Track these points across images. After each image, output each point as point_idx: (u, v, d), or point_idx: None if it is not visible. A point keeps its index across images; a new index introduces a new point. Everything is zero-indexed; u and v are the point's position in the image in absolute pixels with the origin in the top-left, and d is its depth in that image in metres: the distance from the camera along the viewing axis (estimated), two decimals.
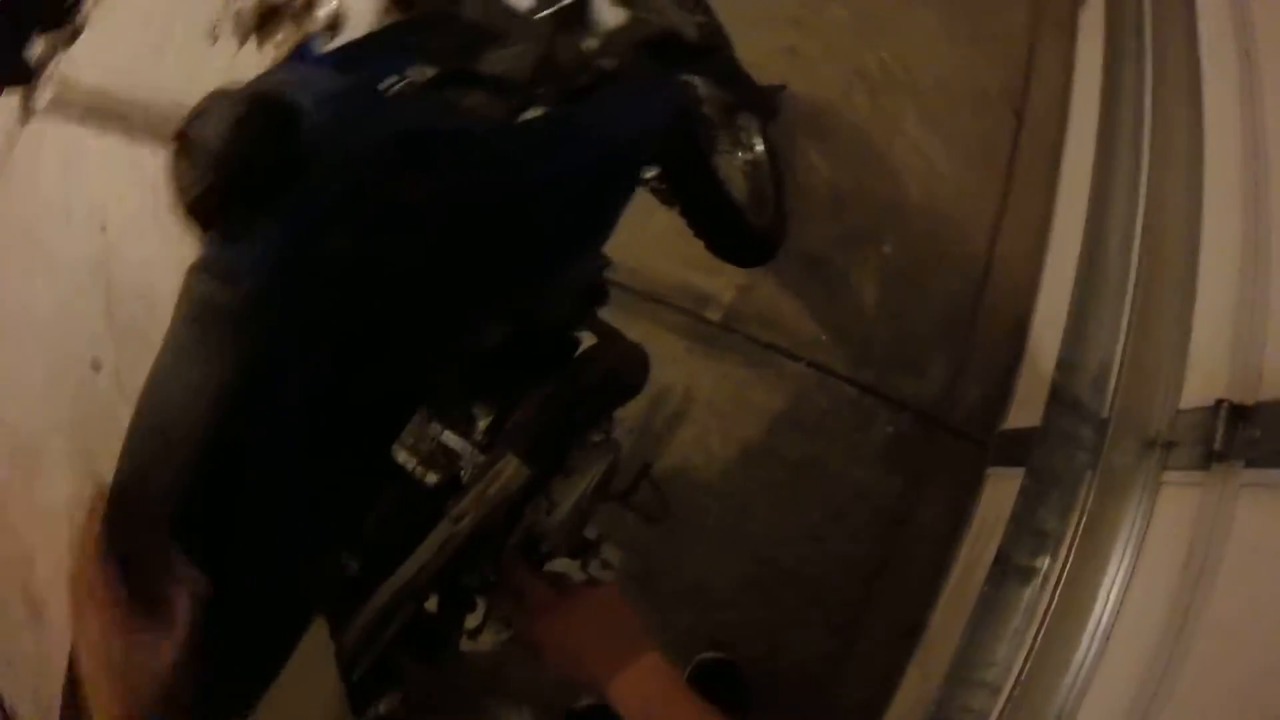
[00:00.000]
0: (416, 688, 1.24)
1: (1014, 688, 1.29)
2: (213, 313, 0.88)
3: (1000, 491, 1.83)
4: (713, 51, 1.36)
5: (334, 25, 0.88)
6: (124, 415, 2.55)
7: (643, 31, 1.13)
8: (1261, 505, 1.09)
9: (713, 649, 1.96)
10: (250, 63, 3.08)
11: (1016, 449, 1.76)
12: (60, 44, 3.51)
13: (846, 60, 2.36)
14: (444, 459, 1.24)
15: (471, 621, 1.30)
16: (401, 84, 0.99)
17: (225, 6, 3.26)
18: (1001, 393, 2.01)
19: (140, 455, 0.92)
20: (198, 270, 0.90)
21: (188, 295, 0.91)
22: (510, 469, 1.14)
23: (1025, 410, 1.89)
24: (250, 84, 0.90)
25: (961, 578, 1.85)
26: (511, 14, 1.08)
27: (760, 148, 2.13)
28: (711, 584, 2.01)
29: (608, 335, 1.40)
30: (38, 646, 2.59)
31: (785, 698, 1.93)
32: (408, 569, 1.10)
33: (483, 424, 1.29)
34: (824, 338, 2.15)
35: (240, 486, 0.88)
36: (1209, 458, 1.16)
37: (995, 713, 1.35)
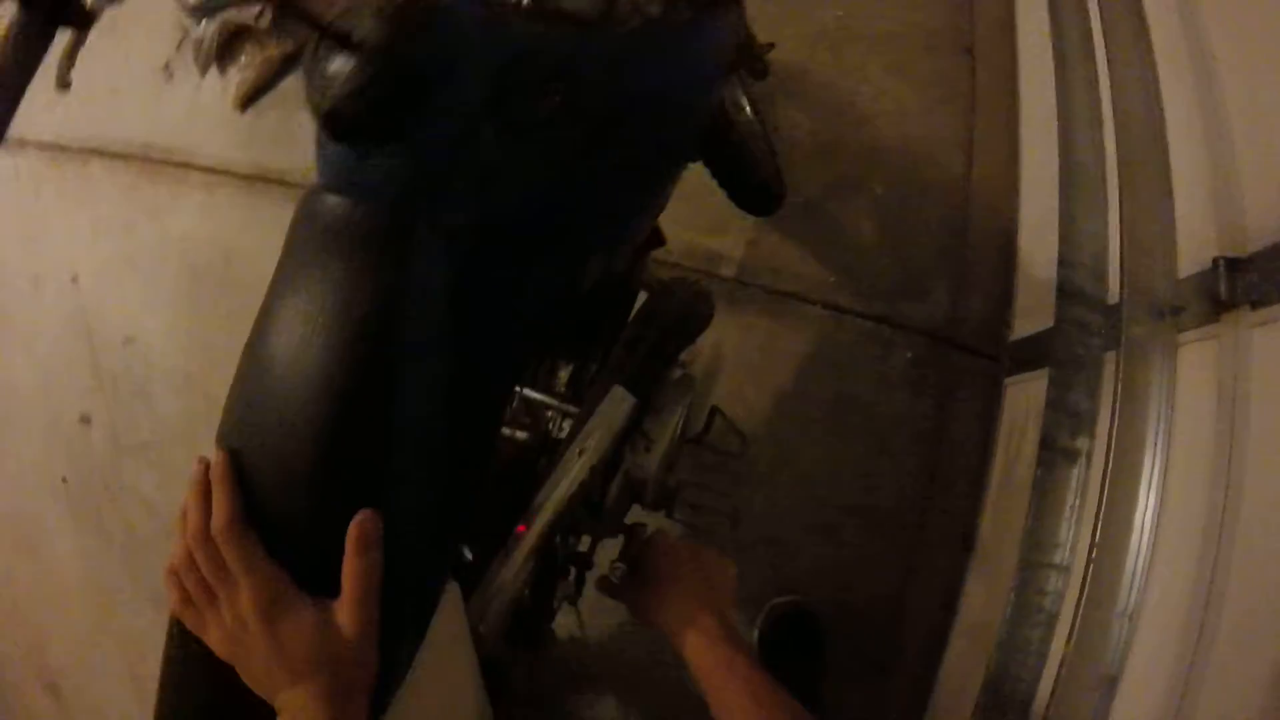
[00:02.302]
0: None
1: (1086, 564, 1.32)
2: (347, 234, 0.82)
3: (1020, 399, 1.94)
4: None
5: None
6: (122, 466, 2.58)
7: None
8: (1271, 337, 1.18)
9: (783, 594, 2.02)
10: (214, 90, 2.99)
11: (1028, 354, 1.88)
12: None
13: (805, 21, 2.46)
14: (530, 416, 1.27)
15: (562, 591, 1.30)
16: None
17: (180, 40, 3.12)
18: (1002, 307, 2.11)
19: (267, 411, 0.83)
20: (321, 193, 0.85)
21: (308, 219, 0.86)
22: (619, 397, 1.16)
23: (1027, 320, 2.00)
24: None
25: (1000, 485, 1.94)
26: None
27: (746, 105, 2.14)
28: (776, 534, 2.08)
29: (663, 283, 1.44)
30: None
31: (859, 630, 2.00)
32: (544, 515, 1.08)
33: (563, 375, 1.35)
34: (832, 279, 2.23)
35: (389, 423, 0.82)
36: (1216, 310, 1.25)
37: (1071, 590, 1.42)
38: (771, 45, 2.07)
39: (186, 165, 2.92)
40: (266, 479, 0.82)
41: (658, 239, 1.38)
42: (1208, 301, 1.27)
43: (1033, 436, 1.66)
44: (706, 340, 2.13)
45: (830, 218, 2.30)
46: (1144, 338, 1.38)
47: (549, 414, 1.27)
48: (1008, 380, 2.02)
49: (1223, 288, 1.23)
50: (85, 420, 2.82)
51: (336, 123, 0.80)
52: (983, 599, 1.85)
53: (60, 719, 2.58)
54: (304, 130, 0.87)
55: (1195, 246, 1.37)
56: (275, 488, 0.82)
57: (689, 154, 1.25)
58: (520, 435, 1.26)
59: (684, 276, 1.46)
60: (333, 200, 0.84)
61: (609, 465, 1.20)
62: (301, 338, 0.81)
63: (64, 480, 2.79)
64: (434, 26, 0.81)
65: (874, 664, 2.00)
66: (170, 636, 0.88)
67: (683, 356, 1.45)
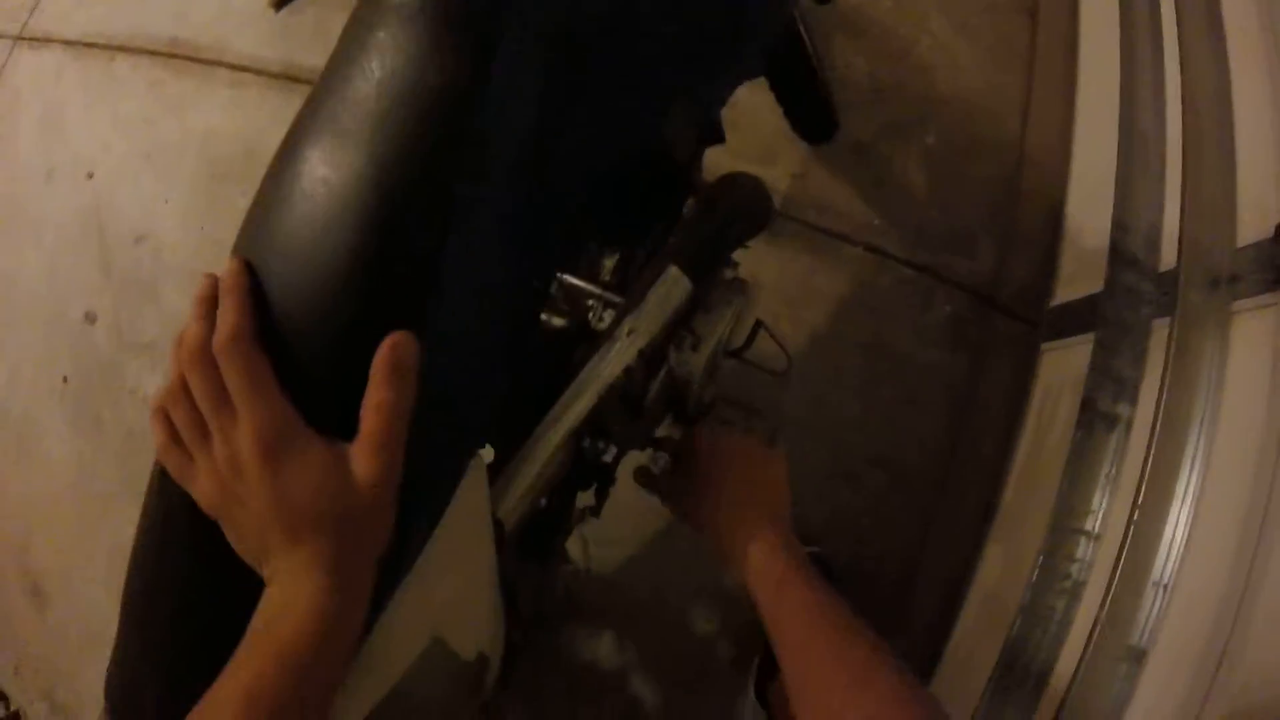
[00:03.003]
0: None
1: (1125, 531, 1.29)
2: (427, 10, 0.68)
3: (1056, 367, 1.92)
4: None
5: None
6: (125, 365, 2.52)
7: None
8: None
9: (801, 542, 1.97)
10: None
11: (1067, 321, 1.86)
12: None
13: None
14: (569, 303, 1.19)
15: (583, 500, 1.23)
16: None
17: None
18: (1045, 271, 2.07)
19: (299, 220, 0.67)
20: None
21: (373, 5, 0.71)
22: (675, 277, 1.10)
23: (1069, 287, 1.97)
24: None
25: (1028, 452, 1.92)
26: None
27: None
28: (798, 475, 1.97)
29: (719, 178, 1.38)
30: (44, 633, 2.51)
31: (871, 585, 1.98)
32: (586, 395, 1.02)
33: (609, 263, 1.29)
34: (877, 222, 2.20)
35: (440, 248, 0.68)
36: (1276, 280, 1.21)
37: (1100, 558, 1.40)
38: None
39: (215, 63, 2.86)
40: (288, 298, 0.66)
41: (718, 134, 1.28)
42: (1267, 271, 1.24)
43: (1067, 405, 1.65)
44: (745, 270, 2.07)
45: (881, 161, 2.26)
46: (1198, 306, 1.36)
47: (590, 303, 1.19)
48: (1045, 346, 1.99)
49: None
50: (90, 318, 2.76)
51: None
52: (1000, 568, 1.83)
53: (40, 622, 2.51)
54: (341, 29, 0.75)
55: (1257, 215, 1.33)
56: (297, 309, 0.66)
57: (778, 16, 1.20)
58: (558, 321, 1.17)
59: (744, 171, 1.40)
60: None
61: (655, 356, 1.14)
62: (354, 131, 0.67)
63: (65, 380, 2.72)
64: None
65: (883, 622, 1.93)
66: (149, 490, 0.74)
67: (736, 258, 1.40)
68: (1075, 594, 1.43)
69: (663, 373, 1.19)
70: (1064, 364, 1.84)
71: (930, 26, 2.35)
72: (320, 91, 0.71)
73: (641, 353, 1.06)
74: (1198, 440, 1.29)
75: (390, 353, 0.64)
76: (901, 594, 1.96)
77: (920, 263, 2.15)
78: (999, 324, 2.08)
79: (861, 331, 2.13)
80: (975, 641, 1.78)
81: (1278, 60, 1.37)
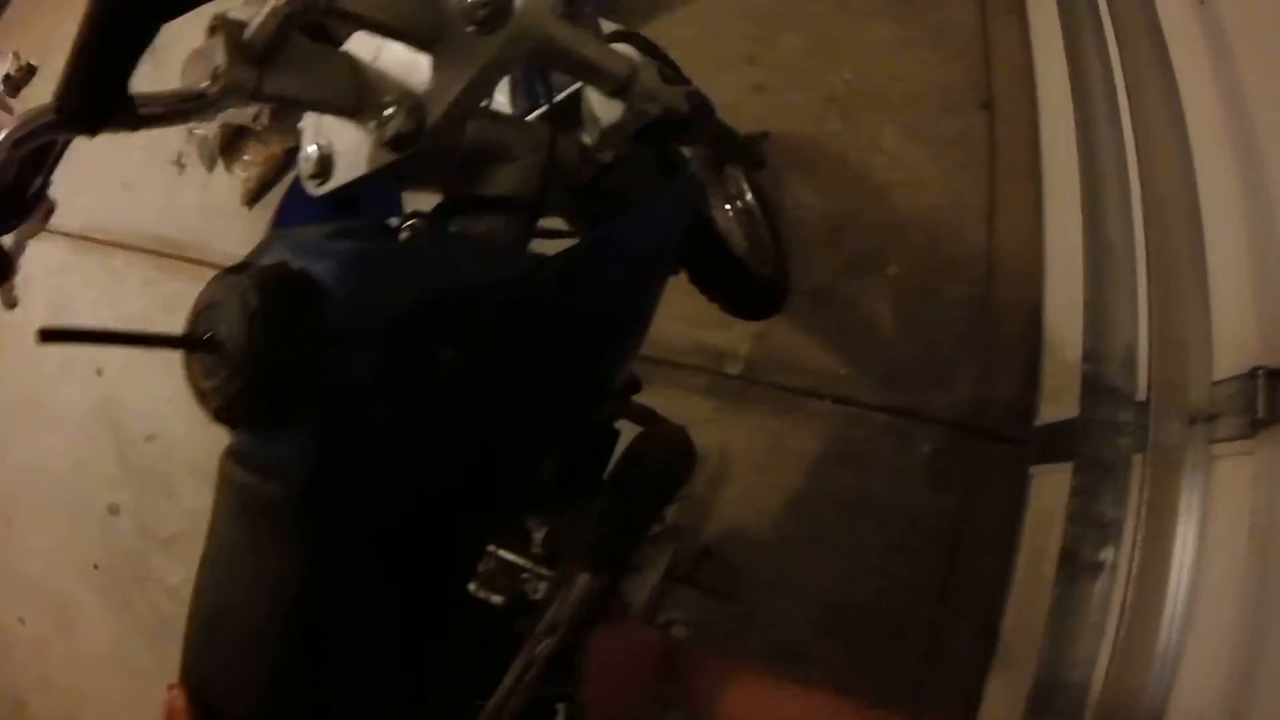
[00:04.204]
0: None
1: (1103, 683, 1.28)
2: (259, 508, 0.81)
3: (1047, 486, 1.83)
4: (701, 119, 1.34)
5: (323, 170, 0.79)
6: (150, 556, 2.73)
7: (641, 121, 1.06)
8: None
9: None
10: (223, 186, 3.13)
11: (1056, 441, 1.77)
12: (29, 235, 3.47)
13: (813, 88, 2.37)
14: (506, 579, 1.22)
15: None
16: (410, 225, 0.91)
17: (187, 138, 3.29)
18: (1029, 389, 2.00)
19: (216, 649, 0.88)
20: (234, 460, 0.82)
21: (228, 485, 0.83)
22: (583, 586, 1.11)
23: (1055, 404, 1.89)
24: (257, 259, 0.83)
25: (1026, 578, 1.84)
26: (512, 126, 1.01)
27: (749, 195, 2.13)
28: (785, 639, 1.99)
29: (646, 419, 1.38)
30: None
31: None
32: (497, 699, 1.06)
33: (539, 536, 1.27)
34: (844, 371, 2.14)
35: (328, 662, 0.84)
36: (1254, 425, 1.15)
37: (1088, 711, 1.34)
38: (765, 134, 2.00)
39: (199, 261, 3.06)
40: (229, 711, 0.84)
41: (633, 385, 1.33)
42: (1244, 414, 1.17)
43: (1060, 532, 1.56)
44: (713, 443, 2.12)
45: (844, 304, 2.20)
46: (1173, 447, 1.28)
47: (524, 575, 1.24)
48: (1034, 469, 1.91)
49: (1261, 403, 1.14)
50: (114, 511, 2.95)
51: (220, 421, 0.78)
52: (1007, 701, 1.75)
53: None
54: None
55: (1235, 346, 1.26)
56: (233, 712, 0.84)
57: (647, 322, 1.18)
58: (495, 598, 1.22)
59: (661, 427, 1.39)
60: (243, 472, 0.81)
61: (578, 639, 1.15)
62: (237, 592, 0.85)
63: (95, 567, 2.92)
64: (301, 311, 0.75)
65: None
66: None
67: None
68: None
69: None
70: (1055, 487, 1.74)
71: (883, 143, 2.30)
72: (209, 548, 0.87)
73: (555, 655, 1.08)
74: (1178, 594, 1.23)
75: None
76: None
77: (895, 405, 2.09)
78: (984, 452, 2.01)
79: (839, 486, 2.06)
80: None
81: (1251, 168, 1.30)
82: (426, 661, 0.93)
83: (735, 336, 2.21)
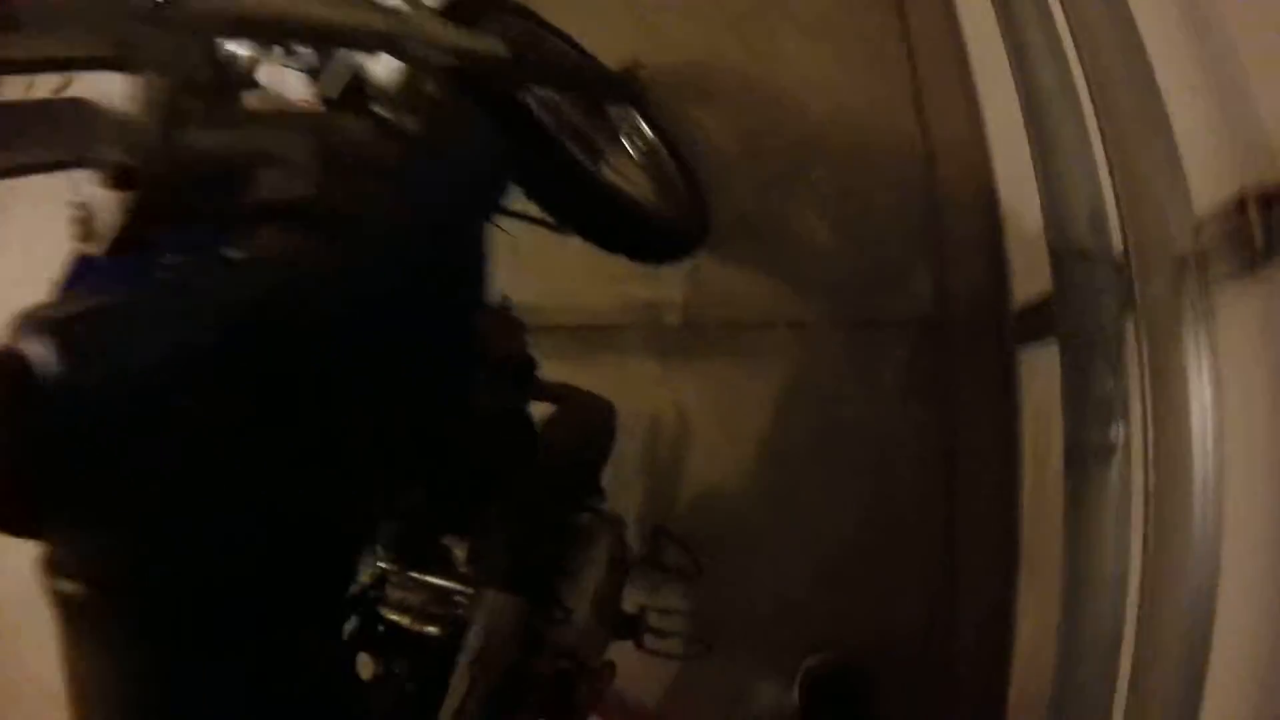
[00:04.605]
0: None
1: (1142, 576, 1.14)
2: (80, 611, 0.73)
3: (1039, 371, 1.68)
4: (539, 62, 1.21)
5: (88, 232, 0.69)
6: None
7: (434, 80, 0.99)
8: None
9: (813, 656, 1.81)
10: None
11: (1038, 322, 1.63)
12: None
13: (700, 14, 2.21)
14: (438, 606, 1.16)
15: None
16: (173, 265, 0.83)
17: None
18: (996, 273, 1.84)
19: None
20: (43, 569, 0.74)
21: (49, 596, 0.75)
22: (494, 604, 1.08)
23: (1029, 283, 1.72)
24: None
25: (1037, 477, 1.68)
26: (269, 127, 0.91)
27: (648, 133, 1.99)
28: (788, 593, 1.86)
29: (560, 398, 1.33)
30: None
31: (911, 674, 1.77)
32: None
33: (460, 553, 1.23)
34: (791, 293, 1.98)
35: None
36: (1253, 259, 1.02)
37: (1131, 610, 1.20)
38: (638, 65, 1.84)
39: None
40: None
41: (523, 368, 1.28)
42: (1239, 250, 1.03)
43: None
44: (666, 403, 2.00)
45: (774, 225, 2.04)
46: (1165, 299, 1.14)
47: (456, 599, 1.16)
48: (1021, 355, 1.76)
49: (1258, 232, 0.99)
50: None
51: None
52: (1042, 611, 1.61)
53: None
54: None
55: (1213, 179, 1.11)
56: None
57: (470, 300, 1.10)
58: (431, 628, 1.15)
59: (571, 405, 1.36)
60: (54, 579, 0.73)
61: (525, 655, 1.13)
62: (92, 686, 0.76)
63: None
64: (31, 408, 0.67)
65: (930, 703, 1.77)
66: None
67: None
68: (1112, 657, 1.24)
69: (548, 652, 1.16)
70: (1048, 371, 1.57)
71: (783, 49, 2.13)
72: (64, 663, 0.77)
73: (490, 682, 1.05)
74: (1205, 458, 1.08)
75: None
76: (939, 669, 1.76)
77: (849, 319, 1.93)
78: (960, 348, 1.86)
79: (810, 420, 1.92)
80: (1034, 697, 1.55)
81: None
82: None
83: (667, 283, 2.05)
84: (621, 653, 1.32)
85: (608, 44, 1.80)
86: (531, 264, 1.93)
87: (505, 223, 1.35)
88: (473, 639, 1.05)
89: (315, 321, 0.81)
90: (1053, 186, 1.40)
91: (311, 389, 0.80)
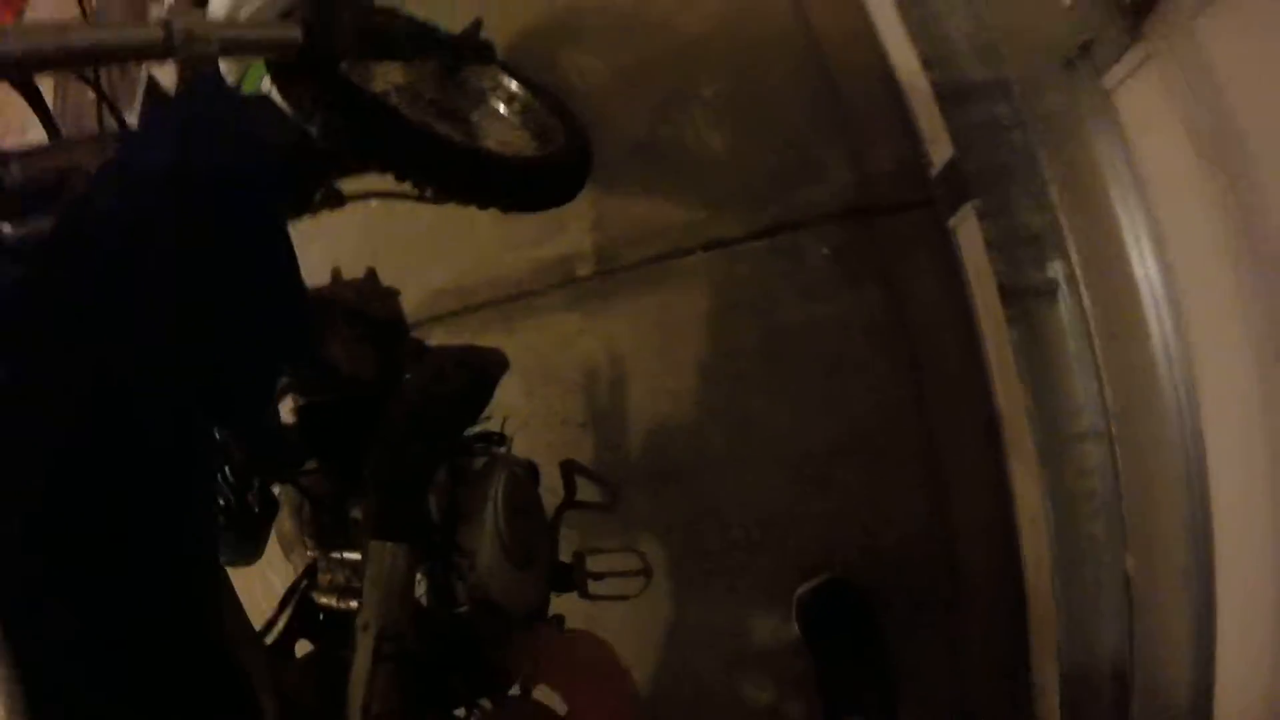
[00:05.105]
0: None
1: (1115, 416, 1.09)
2: None
3: (974, 234, 1.54)
4: (320, 43, 1.14)
5: None
6: None
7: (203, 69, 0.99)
8: (1221, 21, 0.87)
9: (805, 578, 1.73)
10: None
11: (960, 182, 1.51)
12: None
13: None
14: (358, 579, 1.16)
15: None
16: None
17: None
18: (909, 145, 1.70)
19: None
20: None
21: None
22: (374, 553, 1.04)
23: (943, 147, 1.62)
24: None
25: (997, 345, 1.54)
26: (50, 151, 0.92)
27: (512, 86, 1.93)
28: (764, 516, 1.79)
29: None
30: None
31: (906, 575, 1.69)
32: (351, 712, 0.97)
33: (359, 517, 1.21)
34: (702, 215, 1.90)
35: None
36: (1134, 24, 0.94)
37: (1114, 458, 1.15)
38: (478, 22, 1.75)
39: None
40: None
41: (392, 325, 1.28)
42: (1118, 17, 0.97)
43: None
44: (597, 351, 1.96)
45: (669, 149, 1.95)
46: (1061, 106, 1.06)
47: None
48: (952, 222, 1.63)
49: None
50: None
51: None
52: (1035, 489, 1.47)
53: None
54: None
55: None
56: None
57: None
58: (354, 604, 1.13)
59: (436, 356, 1.31)
60: None
61: (432, 608, 1.15)
62: None
63: None
64: None
65: (937, 602, 1.67)
66: None
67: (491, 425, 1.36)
68: (1110, 508, 1.18)
69: (473, 605, 1.15)
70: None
71: None
72: None
73: (388, 637, 1.01)
74: (1148, 267, 1.05)
75: None
76: (942, 566, 1.67)
77: (770, 224, 1.83)
78: (889, 227, 1.75)
79: (751, 336, 1.83)
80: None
81: None
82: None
83: (572, 237, 2.00)
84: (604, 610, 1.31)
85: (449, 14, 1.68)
86: (444, 249, 1.99)
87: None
88: (365, 591, 1.03)
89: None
90: (928, 30, 1.32)
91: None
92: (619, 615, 1.22)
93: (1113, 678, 1.18)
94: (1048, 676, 1.39)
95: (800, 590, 1.72)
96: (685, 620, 1.84)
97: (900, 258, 1.74)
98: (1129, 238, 1.03)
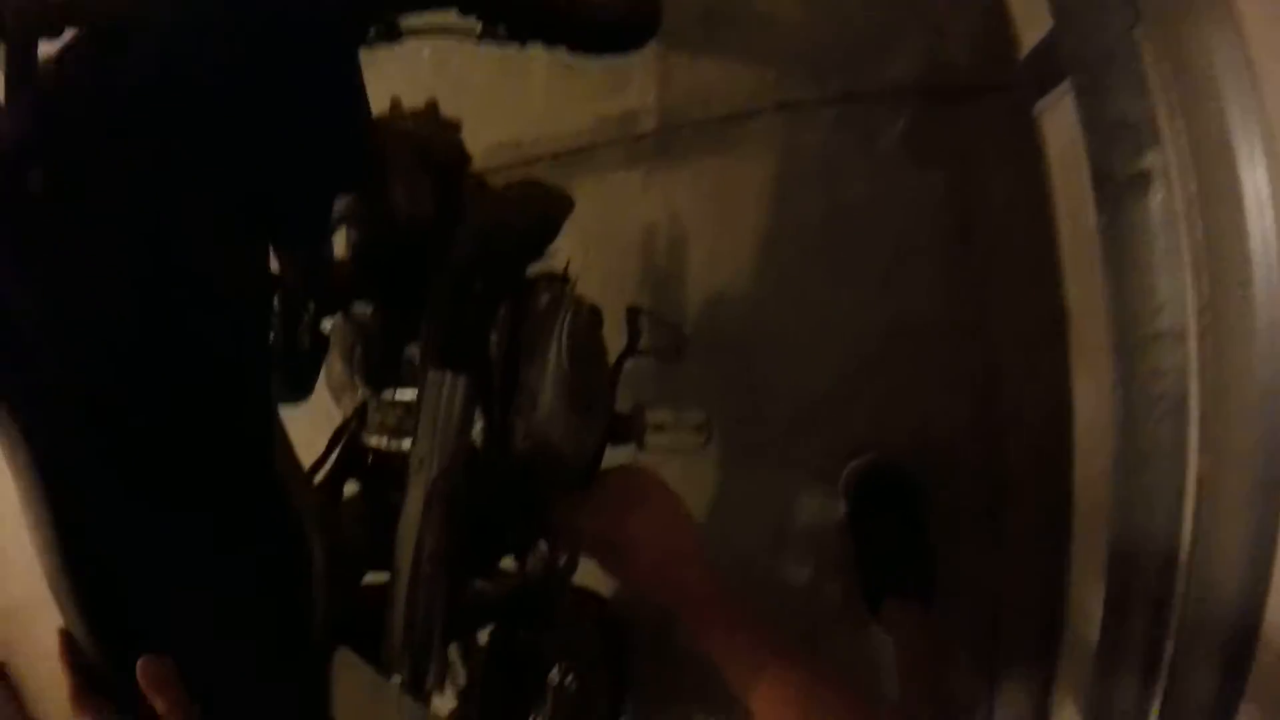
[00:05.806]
0: None
1: (1200, 318, 1.04)
2: None
3: (1061, 124, 1.50)
4: None
5: None
6: None
7: None
8: None
9: (854, 457, 1.73)
10: None
11: (1051, 69, 1.46)
12: None
13: None
14: (411, 419, 1.09)
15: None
16: None
17: None
18: (997, 23, 1.65)
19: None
20: None
21: None
22: (432, 383, 1.01)
23: (1034, 27, 1.54)
24: None
25: (1074, 236, 1.54)
26: None
27: None
28: (819, 390, 1.77)
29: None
30: None
31: (960, 468, 1.68)
32: (402, 551, 0.97)
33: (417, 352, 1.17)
34: (772, 75, 1.83)
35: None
36: None
37: (1192, 361, 1.10)
38: None
39: None
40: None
41: (452, 158, 1.22)
42: None
43: None
44: (657, 211, 1.92)
45: (738, 8, 1.87)
46: None
47: None
48: (1037, 109, 1.59)
49: None
50: None
51: None
52: (1094, 390, 1.49)
53: None
54: None
55: None
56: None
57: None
58: (407, 444, 1.08)
59: (498, 192, 1.27)
60: None
61: (488, 450, 1.11)
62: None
63: None
64: None
65: (982, 492, 1.67)
66: None
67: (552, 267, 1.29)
68: (1179, 412, 1.13)
69: (528, 451, 1.12)
70: (1070, 119, 1.40)
71: None
72: None
73: (447, 476, 0.99)
74: (1255, 172, 0.96)
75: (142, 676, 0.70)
76: (990, 466, 1.66)
77: (842, 90, 1.76)
78: (968, 109, 1.69)
79: (812, 205, 1.77)
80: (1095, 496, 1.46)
81: None
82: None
83: (636, 92, 1.94)
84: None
85: None
86: (501, 102, 1.93)
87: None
88: (424, 425, 1.00)
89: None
90: None
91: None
92: (666, 479, 1.18)
93: (1159, 582, 1.17)
94: (1089, 578, 1.39)
95: (851, 465, 1.72)
96: (731, 493, 1.84)
97: (976, 141, 1.67)
98: (1236, 134, 0.96)
